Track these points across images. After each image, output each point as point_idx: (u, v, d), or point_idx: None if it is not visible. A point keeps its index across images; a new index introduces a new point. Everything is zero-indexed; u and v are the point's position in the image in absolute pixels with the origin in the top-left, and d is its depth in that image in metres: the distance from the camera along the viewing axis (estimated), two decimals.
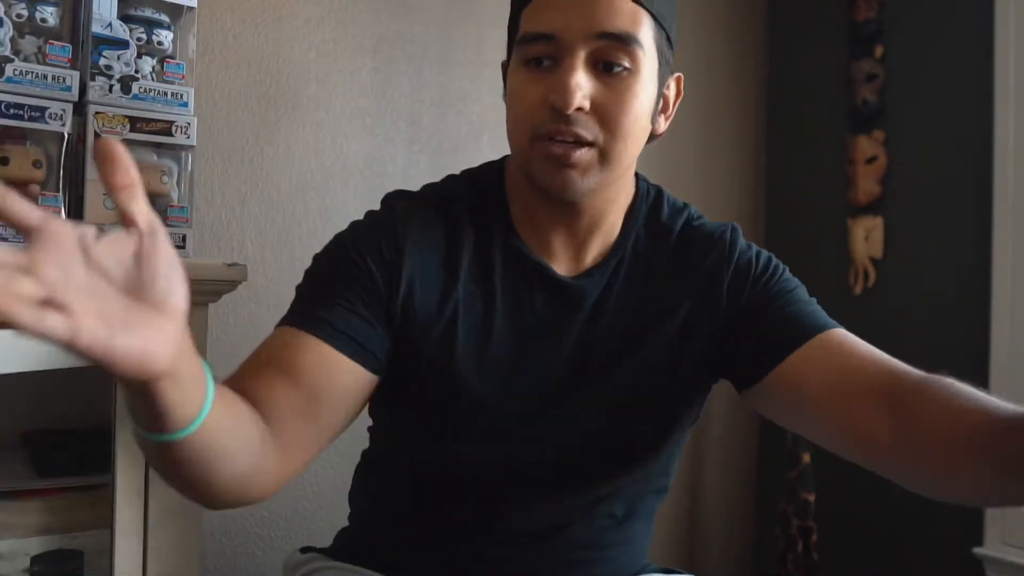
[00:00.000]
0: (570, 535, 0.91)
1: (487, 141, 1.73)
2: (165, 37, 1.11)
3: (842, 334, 0.83)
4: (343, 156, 1.56)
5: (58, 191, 1.01)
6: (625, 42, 0.78)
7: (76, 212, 1.04)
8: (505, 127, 0.85)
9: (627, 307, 0.87)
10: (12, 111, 0.98)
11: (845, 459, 0.80)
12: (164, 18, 1.11)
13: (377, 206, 0.91)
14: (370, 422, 0.99)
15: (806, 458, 1.81)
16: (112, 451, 1.00)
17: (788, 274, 0.91)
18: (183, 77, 1.10)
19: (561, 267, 0.88)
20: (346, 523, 1.04)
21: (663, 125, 0.88)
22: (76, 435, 1.19)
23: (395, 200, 0.90)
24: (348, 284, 0.82)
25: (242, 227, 1.46)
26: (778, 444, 1.94)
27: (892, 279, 2.00)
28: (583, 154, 0.79)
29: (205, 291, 1.07)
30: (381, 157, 1.60)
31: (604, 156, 0.80)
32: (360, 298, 0.81)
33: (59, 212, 1.01)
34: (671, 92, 0.88)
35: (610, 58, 0.78)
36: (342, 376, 0.79)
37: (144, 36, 1.08)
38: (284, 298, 0.80)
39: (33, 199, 1.00)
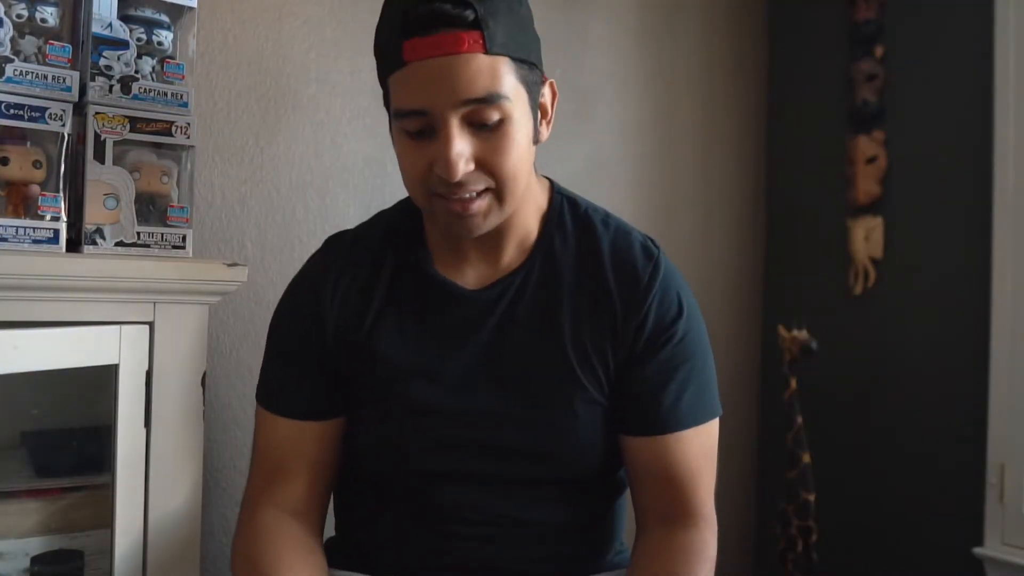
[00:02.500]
0: (512, 526, 0.95)
1: None
2: (165, 37, 1.11)
3: (675, 441, 0.93)
4: (343, 156, 1.56)
5: (58, 191, 1.01)
6: (490, 102, 0.82)
7: (76, 212, 1.04)
8: None
9: (537, 309, 0.95)
10: (12, 111, 0.98)
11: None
12: (164, 18, 1.11)
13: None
14: None
15: (806, 458, 1.81)
16: (112, 451, 1.01)
17: (689, 339, 0.95)
18: (183, 77, 1.10)
19: (477, 276, 0.96)
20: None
21: (546, 132, 0.94)
22: (76, 435, 1.19)
23: (325, 249, 1.03)
24: (294, 355, 0.98)
25: (242, 227, 1.46)
26: (778, 444, 1.94)
27: (892, 279, 2.00)
28: (480, 203, 0.86)
29: (205, 291, 1.07)
30: (381, 157, 1.60)
31: (500, 197, 0.87)
32: (308, 362, 0.97)
33: (59, 212, 1.01)
34: (547, 99, 0.93)
35: (482, 119, 0.83)
36: (332, 432, 0.97)
37: (144, 36, 1.08)
38: None
39: (33, 199, 1.00)
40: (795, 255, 2.22)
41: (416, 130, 0.85)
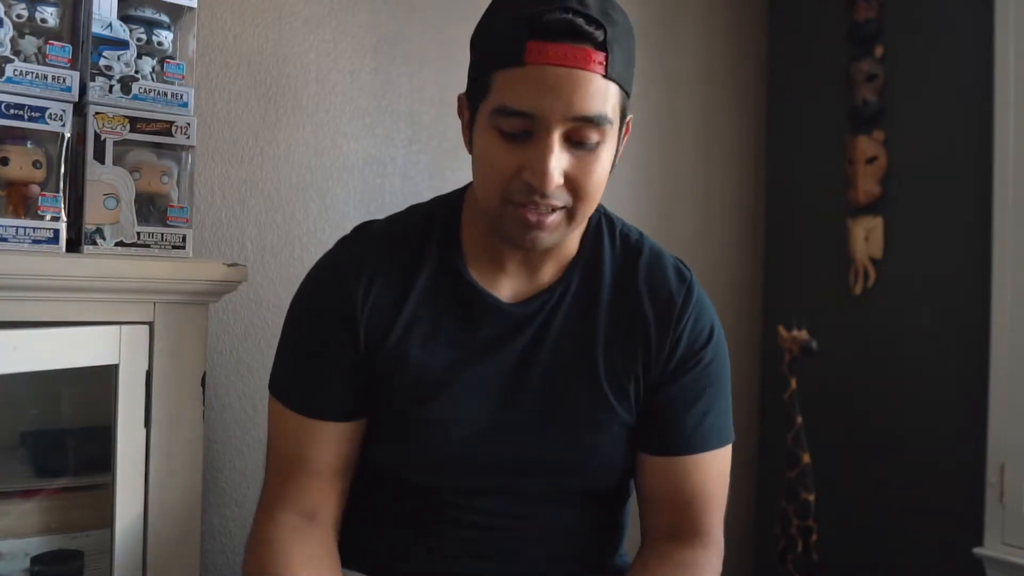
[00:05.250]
0: (525, 528, 0.96)
1: None
2: (165, 37, 1.11)
3: (695, 463, 0.94)
4: (343, 156, 1.56)
5: (58, 191, 1.01)
6: (598, 123, 0.82)
7: (76, 212, 1.04)
8: None
9: (571, 327, 0.94)
10: (12, 111, 0.98)
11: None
12: (164, 18, 1.11)
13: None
14: None
15: (806, 458, 1.81)
16: (112, 451, 1.01)
17: (715, 364, 0.96)
18: (183, 77, 1.10)
19: (513, 289, 0.95)
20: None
21: (617, 162, 0.93)
22: (76, 435, 1.19)
23: (355, 239, 1.00)
24: (321, 354, 0.94)
25: (242, 227, 1.46)
26: (778, 444, 1.94)
27: (892, 279, 2.00)
28: (554, 218, 0.85)
29: (205, 291, 1.07)
30: (381, 157, 1.60)
31: (572, 216, 0.87)
32: (336, 363, 0.93)
33: (59, 212, 1.01)
34: (622, 133, 0.92)
35: (583, 138, 0.83)
36: (353, 434, 0.95)
37: (144, 36, 1.08)
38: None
39: (33, 199, 1.00)
40: (795, 255, 2.22)
41: (514, 131, 0.83)
